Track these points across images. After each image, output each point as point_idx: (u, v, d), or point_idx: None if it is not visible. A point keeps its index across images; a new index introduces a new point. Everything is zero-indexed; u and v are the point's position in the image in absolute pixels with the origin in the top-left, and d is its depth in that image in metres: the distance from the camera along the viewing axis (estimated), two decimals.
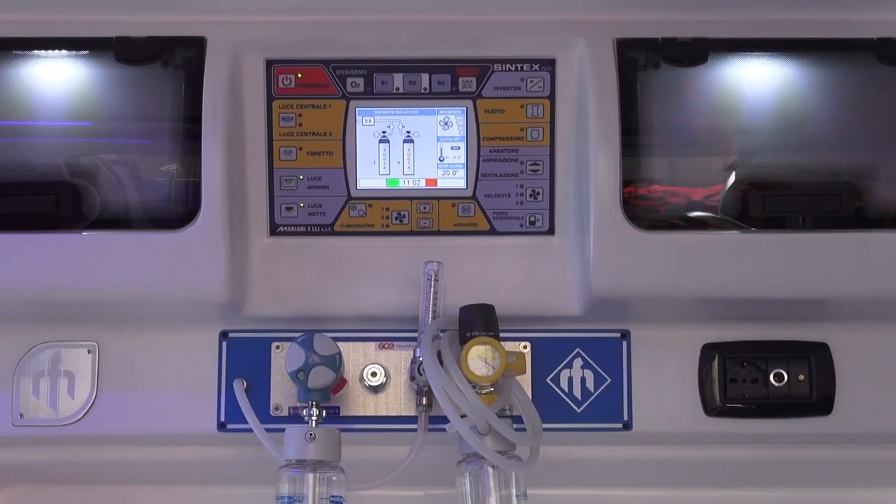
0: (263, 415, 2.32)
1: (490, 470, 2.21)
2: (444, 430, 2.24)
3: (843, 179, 2.36)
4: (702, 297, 2.32)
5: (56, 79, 2.38)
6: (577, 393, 2.38)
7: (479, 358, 2.16)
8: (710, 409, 2.37)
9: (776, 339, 2.40)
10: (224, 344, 2.38)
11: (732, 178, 2.38)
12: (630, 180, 2.30)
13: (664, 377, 2.41)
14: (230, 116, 2.29)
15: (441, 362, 2.17)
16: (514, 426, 2.20)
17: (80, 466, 2.46)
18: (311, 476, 2.20)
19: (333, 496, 2.22)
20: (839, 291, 2.32)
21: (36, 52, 2.36)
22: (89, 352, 2.36)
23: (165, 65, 2.32)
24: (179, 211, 2.29)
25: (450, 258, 2.30)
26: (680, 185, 2.39)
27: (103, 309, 2.34)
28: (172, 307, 2.33)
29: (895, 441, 2.46)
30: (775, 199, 2.33)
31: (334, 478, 2.22)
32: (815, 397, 2.37)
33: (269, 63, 2.34)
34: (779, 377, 2.37)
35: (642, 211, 2.32)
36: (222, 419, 2.35)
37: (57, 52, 2.37)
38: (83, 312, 2.35)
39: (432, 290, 2.27)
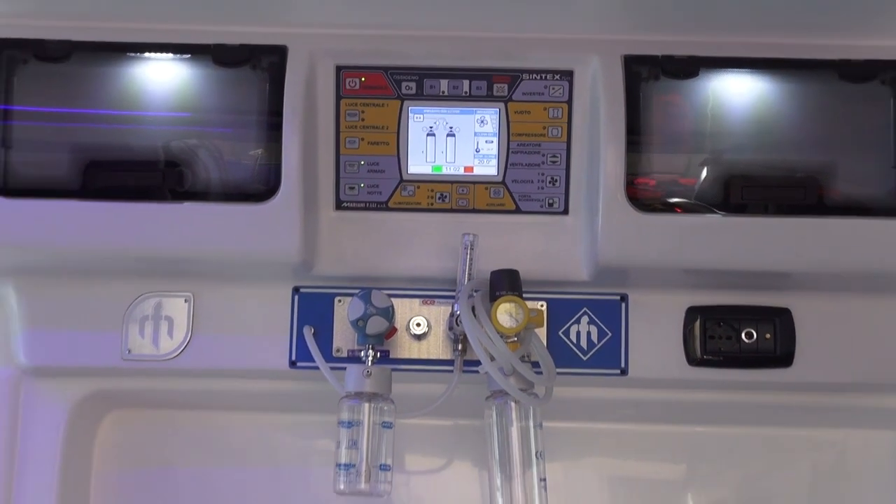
0: (327, 356, 2.45)
1: (512, 404, 2.35)
2: (476, 371, 2.37)
3: (808, 175, 2.46)
4: (687, 268, 2.43)
5: (163, 77, 2.47)
6: (584, 344, 2.50)
7: (506, 313, 2.28)
8: (692, 360, 2.49)
9: (748, 304, 2.52)
10: (296, 297, 2.50)
11: (717, 172, 2.48)
12: (633, 171, 2.40)
13: (655, 333, 2.52)
14: (306, 112, 2.39)
15: (475, 316, 2.30)
16: (533, 370, 2.32)
17: (175, 394, 2.59)
18: (367, 405, 2.33)
19: (385, 422, 2.36)
20: (801, 266, 2.43)
21: (147, 54, 2.45)
22: (186, 301, 2.50)
23: (254, 68, 2.42)
24: (262, 188, 2.39)
25: (482, 232, 2.40)
26: (674, 176, 2.48)
27: (198, 266, 2.46)
28: (255, 266, 2.44)
29: (845, 390, 2.56)
30: (751, 190, 2.42)
31: (385, 407, 2.35)
32: (779, 352, 2.49)
33: (339, 68, 2.44)
34: (749, 335, 2.49)
35: (642, 197, 2.42)
36: (293, 358, 2.48)
37: (164, 55, 2.46)
38: (182, 269, 2.47)
39: (468, 257, 2.37)
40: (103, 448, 2.66)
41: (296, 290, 2.51)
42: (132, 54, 2.45)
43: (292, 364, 2.49)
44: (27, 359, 2.52)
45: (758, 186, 2.45)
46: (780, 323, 2.51)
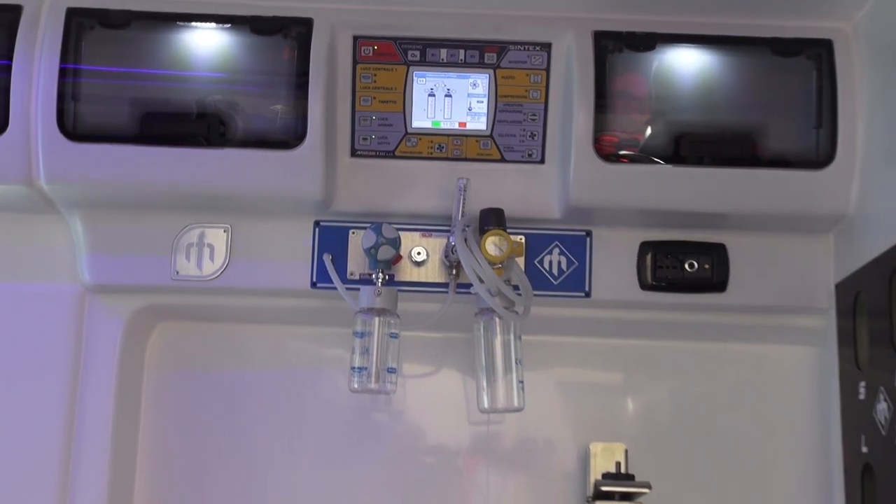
0: (342, 278, 2.54)
1: (497, 320, 2.46)
2: (466, 292, 2.48)
3: (744, 133, 2.53)
4: (642, 209, 2.52)
5: (207, 43, 2.51)
6: (555, 271, 2.58)
7: (493, 244, 2.38)
8: (644, 286, 2.59)
9: (690, 240, 2.60)
10: (317, 229, 2.57)
11: (669, 130, 2.53)
12: (599, 129, 2.46)
13: (613, 263, 2.59)
14: (328, 74, 2.45)
15: (467, 246, 2.38)
16: (514, 292, 2.42)
17: (214, 309, 2.66)
18: (377, 319, 2.45)
19: (392, 333, 2.47)
20: (735, 209, 2.52)
21: (194, 24, 2.49)
22: (225, 231, 2.56)
23: (285, 37, 2.47)
24: (290, 137, 2.45)
25: (473, 177, 2.48)
26: (633, 133, 2.53)
27: (235, 202, 2.52)
28: (283, 202, 2.52)
29: (768, 312, 2.65)
30: (696, 145, 2.50)
31: (392, 321, 2.47)
32: (715, 280, 2.58)
33: (356, 38, 2.49)
34: (691, 266, 2.58)
35: (606, 150, 2.48)
36: (314, 280, 2.55)
37: (209, 24, 2.49)
38: (221, 204, 2.53)
39: (462, 197, 2.45)
40: (153, 354, 2.71)
41: (316, 223, 2.57)
42: (181, 23, 2.49)
43: (313, 285, 2.56)
44: (91, 278, 2.56)
45: (702, 142, 2.52)
46: (716, 256, 2.60)
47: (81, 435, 2.56)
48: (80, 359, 2.58)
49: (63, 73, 2.43)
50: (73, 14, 2.43)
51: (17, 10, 2.42)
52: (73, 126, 2.43)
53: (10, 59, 2.41)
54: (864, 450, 2.38)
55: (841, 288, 2.56)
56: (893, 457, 2.24)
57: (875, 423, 2.31)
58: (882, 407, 2.29)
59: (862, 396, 2.40)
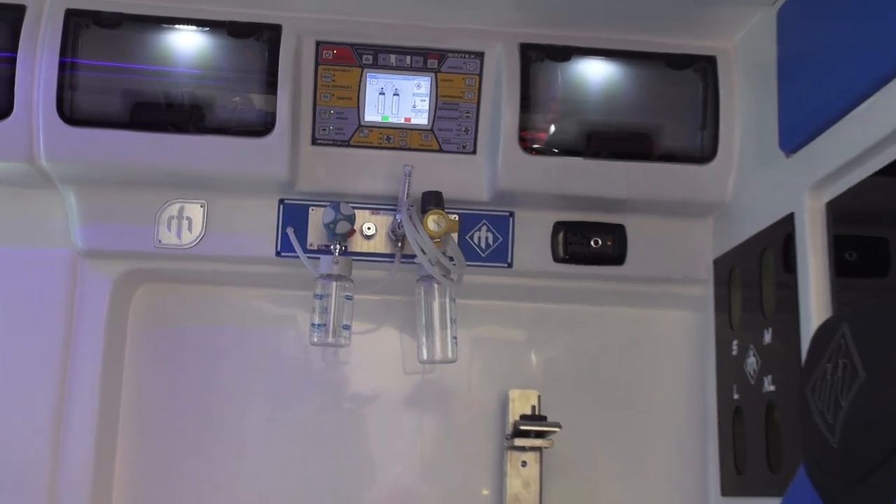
0: (303, 248, 2.58)
1: (436, 285, 2.56)
2: (410, 262, 2.56)
3: (641, 132, 2.61)
4: (556, 194, 2.61)
5: (189, 43, 2.54)
6: (483, 245, 2.65)
7: (433, 221, 2.47)
8: (556, 259, 2.67)
9: (596, 221, 2.68)
10: (281, 206, 2.61)
11: (580, 128, 2.59)
12: (523, 125, 2.53)
13: (531, 238, 2.66)
14: (294, 73, 2.50)
15: (412, 223, 2.46)
16: (450, 262, 2.50)
17: (191, 273, 2.68)
18: (334, 283, 2.53)
19: (347, 295, 2.54)
20: (633, 195, 2.62)
21: (178, 26, 2.51)
22: (201, 206, 2.58)
23: (257, 40, 2.51)
24: (260, 127, 2.48)
25: (416, 164, 2.53)
26: (551, 130, 2.59)
27: (211, 181, 2.55)
28: (252, 182, 2.56)
29: (657, 282, 2.74)
30: (602, 141, 2.58)
31: (347, 285, 2.54)
32: (615, 255, 2.68)
33: (318, 43, 2.53)
34: (595, 242, 2.67)
35: (528, 144, 2.55)
36: (279, 249, 2.60)
37: (191, 27, 2.51)
38: (199, 183, 2.56)
39: (407, 182, 2.51)
40: (136, 311, 2.73)
41: (281, 201, 2.62)
42: (166, 25, 2.52)
43: (277, 254, 2.61)
44: (83, 244, 2.58)
45: (607, 139, 2.60)
46: (616, 234, 2.70)
47: (73, 378, 2.56)
48: (73, 314, 2.59)
49: (62, 65, 2.44)
50: (71, 14, 2.45)
51: (21, 9, 2.43)
52: (70, 112, 2.45)
53: (15, 52, 2.43)
54: (736, 396, 2.50)
55: (718, 263, 2.67)
56: (760, 401, 2.36)
57: (745, 375, 2.45)
58: (751, 361, 2.42)
59: (734, 352, 2.52)
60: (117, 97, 2.49)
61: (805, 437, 1.78)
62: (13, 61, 2.42)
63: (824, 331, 1.77)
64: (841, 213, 2.13)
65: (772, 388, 2.31)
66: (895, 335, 1.54)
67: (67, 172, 2.51)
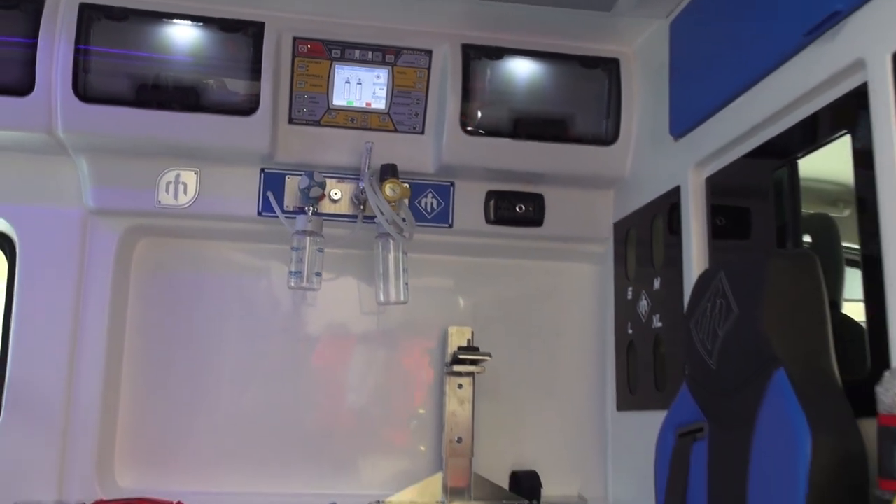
0: (281, 209, 2.58)
1: (391, 241, 2.58)
2: (370, 222, 2.57)
3: (559, 119, 2.65)
4: (488, 168, 2.63)
5: (187, 35, 2.50)
6: (429, 209, 2.68)
7: (390, 188, 2.51)
8: (488, 220, 2.71)
9: (520, 190, 2.72)
10: (262, 174, 2.61)
11: (509, 115, 2.62)
12: (463, 111, 2.55)
13: (468, 204, 2.70)
14: (275, 63, 2.49)
15: (373, 189, 2.50)
16: (403, 222, 2.52)
17: (186, 229, 2.66)
18: (308, 238, 2.54)
19: (318, 248, 2.56)
20: (550, 170, 2.66)
21: (177, 21, 2.48)
22: (195, 173, 2.57)
23: (244, 34, 2.49)
24: (246, 107, 2.47)
25: (376, 141, 2.56)
26: (485, 115, 2.59)
27: (203, 152, 2.54)
28: (238, 154, 2.55)
29: (567, 240, 2.78)
30: (526, 125, 2.61)
31: (319, 240, 2.56)
32: (535, 218, 2.73)
33: (295, 39, 2.53)
34: (520, 208, 2.71)
35: (467, 126, 2.55)
36: (260, 210, 2.60)
37: (189, 21, 2.48)
38: (193, 153, 2.54)
39: (368, 156, 2.54)
40: (138, 260, 2.70)
41: (262, 170, 2.62)
42: (166, 20, 2.49)
43: (259, 214, 2.61)
44: (93, 204, 2.56)
45: (530, 124, 2.63)
46: (537, 202, 2.75)
47: (85, 315, 2.55)
48: (84, 263, 2.57)
49: (76, 51, 2.41)
50: (84, 8, 2.42)
51: (41, 2, 2.39)
52: (84, 91, 2.42)
53: (36, 38, 2.39)
54: (630, 332, 2.59)
55: (618, 226, 2.74)
56: (649, 335, 2.45)
57: (638, 314, 2.53)
58: (643, 303, 2.51)
59: (629, 297, 2.60)
60: (124, 79, 2.46)
61: (688, 361, 1.87)
62: (34, 47, 2.38)
63: (704, 278, 1.86)
64: (717, 186, 2.20)
65: (659, 324, 2.39)
66: (760, 281, 1.62)
67: (81, 142, 2.48)
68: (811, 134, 1.82)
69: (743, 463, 1.58)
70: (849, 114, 1.65)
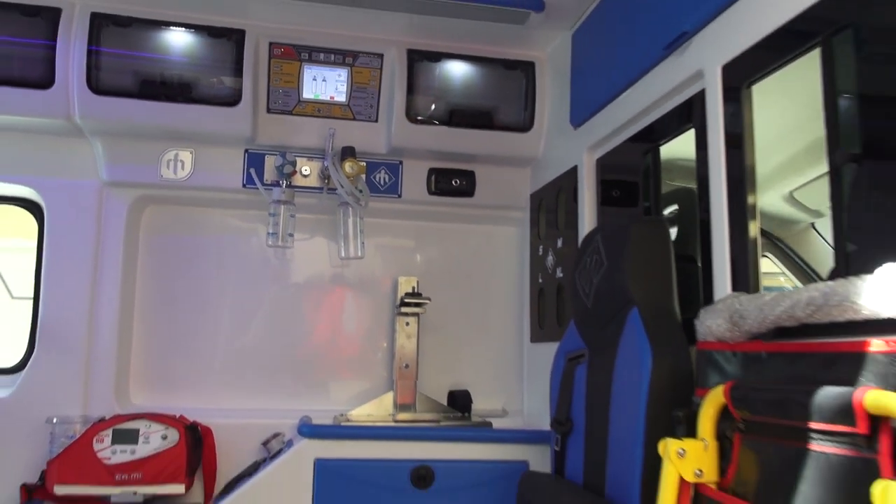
0: (261, 182, 2.61)
1: (350, 208, 2.63)
2: (334, 193, 2.60)
3: (487, 111, 2.68)
4: (430, 150, 2.67)
5: (182, 39, 2.50)
6: (382, 182, 2.72)
7: (349, 166, 2.55)
8: (430, 192, 2.75)
9: (455, 168, 2.76)
10: (246, 154, 2.64)
11: (446, 106, 2.65)
12: (409, 105, 2.58)
13: (414, 179, 2.73)
14: (254, 63, 2.52)
15: (335, 166, 2.54)
16: (360, 193, 2.56)
17: (184, 198, 2.68)
18: (282, 206, 2.58)
19: (291, 214, 2.60)
20: (480, 151, 2.69)
21: (173, 27, 2.48)
22: (191, 153, 2.60)
23: (228, 39, 2.51)
24: (231, 100, 2.49)
25: (338, 128, 2.59)
26: (426, 107, 2.63)
27: (198, 136, 2.55)
28: (227, 137, 2.57)
29: (496, 208, 2.82)
30: (460, 115, 2.64)
31: (291, 207, 2.60)
32: (468, 190, 2.77)
33: (271, 44, 2.55)
34: (455, 182, 2.76)
35: (412, 116, 2.58)
36: (244, 183, 2.63)
37: (182, 28, 2.48)
38: (189, 137, 2.56)
39: (331, 139, 2.57)
40: (145, 225, 2.72)
41: (246, 150, 2.65)
42: (164, 27, 2.49)
43: (244, 186, 2.64)
44: (107, 177, 2.58)
45: (463, 114, 2.67)
46: (469, 177, 2.80)
47: (102, 271, 2.58)
48: (101, 226, 2.59)
49: (89, 52, 2.42)
50: (95, 16, 2.43)
51: (58, 11, 2.40)
52: (96, 85, 2.43)
53: (55, 41, 2.40)
54: (540, 281, 2.66)
55: (533, 196, 2.79)
56: (554, 284, 2.53)
57: (546, 267, 2.61)
58: (550, 259, 2.57)
59: (540, 253, 2.67)
60: (129, 75, 2.47)
61: (574, 303, 1.99)
62: (54, 48, 2.40)
63: (587, 238, 1.96)
64: (604, 166, 2.28)
65: (561, 275, 2.47)
66: (624, 241, 1.72)
67: (95, 127, 2.49)
68: (669, 126, 1.91)
69: (609, 377, 1.71)
70: (693, 112, 1.75)
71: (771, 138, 1.80)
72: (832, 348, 1.12)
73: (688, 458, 1.33)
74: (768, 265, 2.74)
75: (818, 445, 1.08)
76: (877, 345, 1.03)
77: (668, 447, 1.35)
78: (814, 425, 1.07)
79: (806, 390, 1.09)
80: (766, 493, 1.19)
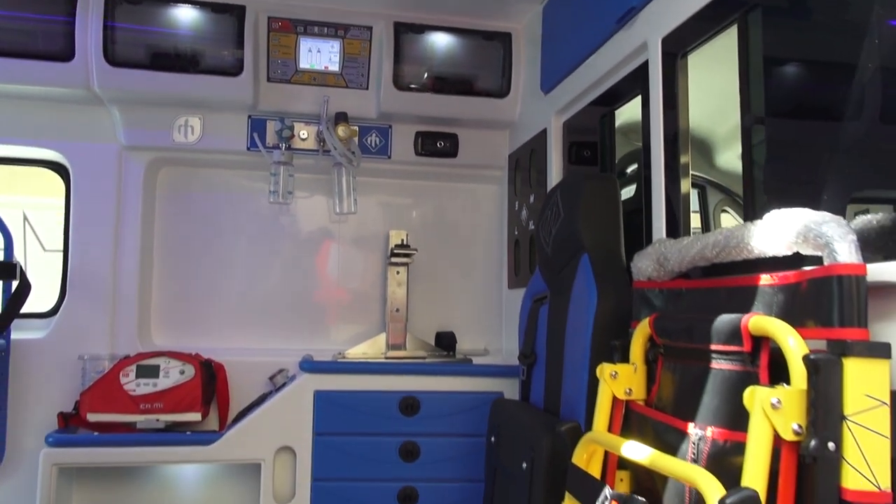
0: (263, 145, 2.66)
1: (344, 168, 2.69)
2: (329, 154, 2.65)
3: (468, 78, 2.71)
4: (416, 115, 2.71)
5: (189, 15, 2.54)
6: (373, 145, 2.76)
7: (342, 130, 2.61)
8: (417, 153, 2.79)
9: (440, 131, 2.78)
10: (249, 119, 2.68)
11: (431, 75, 2.68)
12: (395, 73, 2.61)
13: (402, 142, 2.72)
14: (254, 36, 2.56)
15: (329, 130, 2.60)
16: (353, 154, 2.63)
17: (194, 160, 2.73)
18: (282, 167, 2.65)
19: (290, 174, 2.66)
20: (462, 116, 2.73)
21: (181, 4, 2.52)
22: (200, 118, 2.65)
23: (231, 14, 2.54)
24: (234, 70, 2.54)
25: (332, 95, 2.63)
26: (413, 76, 2.66)
27: (206, 103, 2.60)
28: (232, 104, 2.61)
29: (477, 168, 2.85)
30: (443, 83, 2.69)
31: (290, 168, 2.66)
32: (451, 151, 2.81)
33: (269, 18, 2.59)
34: (441, 144, 2.79)
35: (399, 83, 2.62)
36: (248, 145, 2.69)
37: (189, 5, 2.53)
38: (199, 104, 2.61)
39: (326, 106, 2.62)
40: (161, 184, 2.78)
41: (249, 116, 2.70)
42: (172, 3, 2.53)
43: (248, 148, 2.70)
44: (125, 142, 2.65)
45: (446, 82, 2.71)
46: (452, 139, 2.84)
47: (123, 226, 2.66)
48: (120, 186, 2.66)
49: (105, 27, 2.47)
50: None
51: None
52: (112, 57, 2.49)
53: (74, 18, 2.45)
54: (516, 233, 2.74)
55: (510, 157, 2.86)
56: (527, 235, 2.60)
57: (521, 221, 2.68)
58: (524, 213, 2.65)
59: (517, 208, 2.74)
60: (142, 48, 2.50)
61: (538, 252, 2.09)
62: (73, 24, 2.45)
63: (550, 193, 2.04)
64: (570, 128, 2.35)
65: (532, 227, 2.54)
66: (578, 194, 1.80)
67: (112, 96, 2.54)
68: (622, 93, 2.00)
69: (564, 315, 1.83)
70: (639, 80, 1.83)
71: (727, 102, 1.82)
72: (732, 283, 1.24)
73: (619, 379, 1.47)
74: (729, 220, 2.80)
75: (716, 363, 1.20)
76: (764, 279, 1.15)
77: (604, 370, 1.48)
78: (713, 347, 1.19)
79: (707, 318, 1.20)
80: (679, 406, 1.32)
